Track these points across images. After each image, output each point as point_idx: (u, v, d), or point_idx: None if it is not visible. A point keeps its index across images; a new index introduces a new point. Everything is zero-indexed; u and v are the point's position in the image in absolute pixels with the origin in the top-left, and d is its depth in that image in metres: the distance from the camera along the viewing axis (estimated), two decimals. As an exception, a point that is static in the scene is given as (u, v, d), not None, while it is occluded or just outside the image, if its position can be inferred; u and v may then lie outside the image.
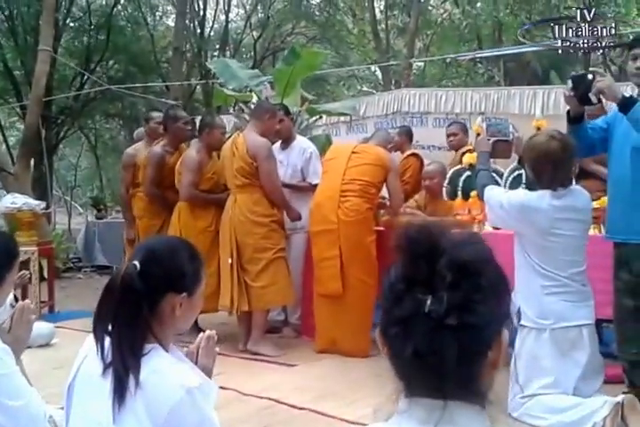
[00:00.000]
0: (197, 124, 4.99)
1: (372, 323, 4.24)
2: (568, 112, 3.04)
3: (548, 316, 2.90)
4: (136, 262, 1.53)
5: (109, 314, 1.51)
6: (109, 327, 1.51)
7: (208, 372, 1.74)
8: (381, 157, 4.52)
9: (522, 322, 2.91)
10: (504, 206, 3.00)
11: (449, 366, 0.86)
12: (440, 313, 0.85)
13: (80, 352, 1.62)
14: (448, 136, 5.72)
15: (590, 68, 2.97)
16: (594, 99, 2.84)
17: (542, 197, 2.90)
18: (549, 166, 2.87)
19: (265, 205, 4.48)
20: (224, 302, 4.48)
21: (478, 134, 4.54)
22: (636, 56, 2.92)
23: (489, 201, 3.11)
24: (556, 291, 2.88)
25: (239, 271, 4.42)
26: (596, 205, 3.85)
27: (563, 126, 5.32)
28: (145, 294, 1.51)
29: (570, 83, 2.89)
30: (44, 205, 6.07)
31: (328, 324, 4.39)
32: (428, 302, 0.86)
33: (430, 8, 14.72)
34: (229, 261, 4.41)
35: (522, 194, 3.07)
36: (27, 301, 2.25)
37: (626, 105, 2.74)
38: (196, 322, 3.75)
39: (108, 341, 1.51)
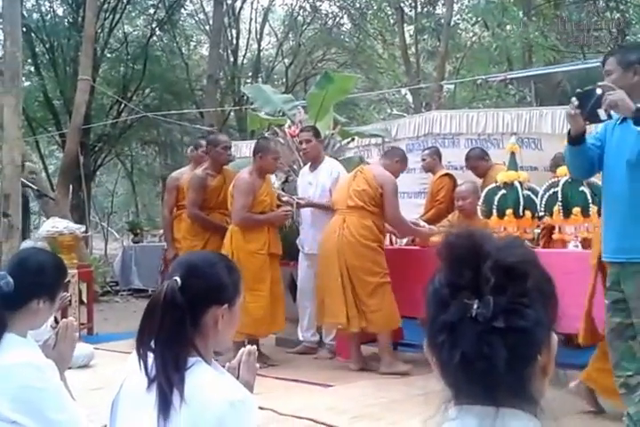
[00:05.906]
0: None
1: None
2: (569, 132, 2.80)
3: None
4: (177, 278, 1.53)
5: (152, 330, 1.51)
6: (152, 343, 1.52)
7: (250, 387, 1.73)
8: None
9: None
10: None
11: (498, 371, 0.83)
12: (487, 317, 0.83)
13: (123, 369, 1.63)
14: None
15: (598, 83, 2.76)
16: (603, 115, 2.62)
17: None
18: None
19: (373, 231, 4.53)
20: (339, 320, 4.46)
21: (512, 153, 4.54)
22: None
23: None
24: None
25: (352, 290, 4.43)
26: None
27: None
28: (187, 309, 1.52)
29: (575, 100, 2.65)
30: (83, 228, 6.21)
31: None
32: (475, 306, 0.84)
33: (460, 31, 14.78)
34: (339, 279, 4.42)
35: None
36: (70, 318, 2.28)
37: None
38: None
39: (151, 356, 1.52)
